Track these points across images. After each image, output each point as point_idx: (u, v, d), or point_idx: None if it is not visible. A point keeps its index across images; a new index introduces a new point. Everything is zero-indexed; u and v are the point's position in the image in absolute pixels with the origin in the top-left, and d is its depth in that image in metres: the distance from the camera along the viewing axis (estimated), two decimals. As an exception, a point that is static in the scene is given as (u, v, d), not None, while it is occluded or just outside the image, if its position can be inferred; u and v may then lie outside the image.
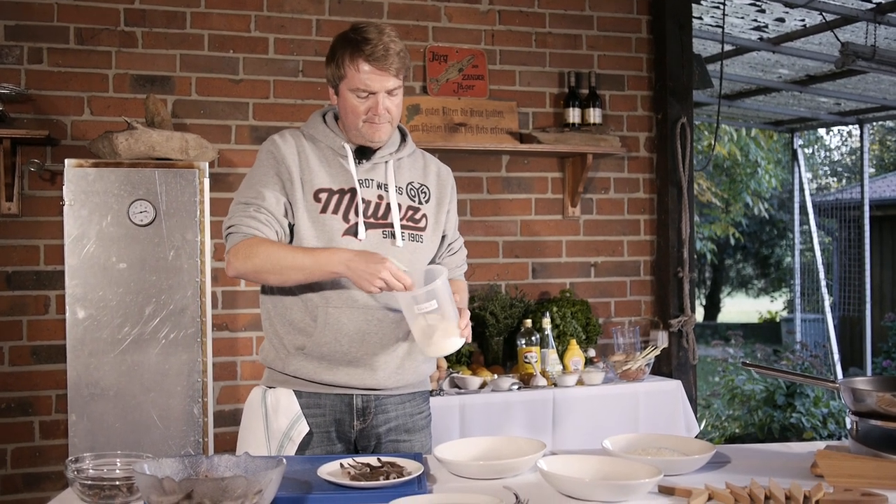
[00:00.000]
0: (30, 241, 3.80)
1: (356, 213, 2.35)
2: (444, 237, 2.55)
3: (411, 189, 2.47)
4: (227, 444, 3.85)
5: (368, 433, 2.43)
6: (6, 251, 3.77)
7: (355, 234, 2.34)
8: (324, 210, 2.35)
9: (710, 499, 1.83)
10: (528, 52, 4.52)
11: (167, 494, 1.59)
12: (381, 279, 2.16)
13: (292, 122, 4.10)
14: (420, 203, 2.47)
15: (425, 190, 2.50)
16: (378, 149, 2.43)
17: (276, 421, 2.37)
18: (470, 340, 2.28)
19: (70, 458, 1.88)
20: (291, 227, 2.36)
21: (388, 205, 2.40)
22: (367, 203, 2.38)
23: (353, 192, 2.37)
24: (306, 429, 2.35)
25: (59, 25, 3.85)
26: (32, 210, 3.80)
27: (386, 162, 2.44)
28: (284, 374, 2.40)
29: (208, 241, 3.47)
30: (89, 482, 1.81)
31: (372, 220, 2.37)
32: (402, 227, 2.41)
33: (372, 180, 2.41)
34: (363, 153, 2.42)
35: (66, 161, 3.38)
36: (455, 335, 2.21)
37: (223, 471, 1.78)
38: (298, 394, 2.38)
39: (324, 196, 2.36)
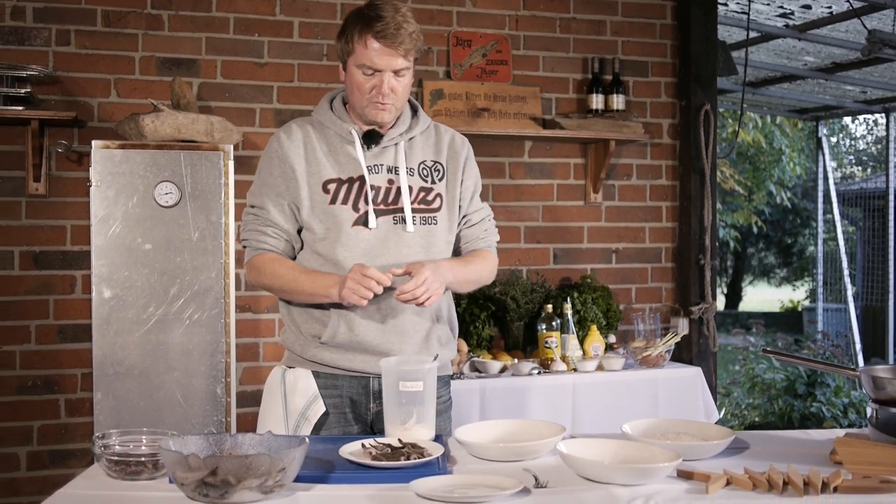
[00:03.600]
0: (57, 222, 3.85)
1: (366, 202, 2.34)
2: (459, 208, 2.49)
3: (424, 169, 2.43)
4: (249, 425, 3.89)
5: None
6: (34, 231, 3.82)
7: (365, 224, 2.33)
8: (333, 201, 2.34)
9: (728, 483, 1.84)
10: (552, 37, 4.51)
11: (192, 471, 1.62)
12: (349, 290, 2.17)
13: (316, 106, 4.10)
14: (433, 182, 2.43)
15: (439, 168, 2.46)
16: (387, 132, 2.41)
17: (293, 401, 2.37)
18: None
19: (97, 435, 1.92)
20: (301, 229, 2.40)
21: (399, 189, 2.38)
22: (376, 190, 2.36)
23: (361, 179, 2.36)
24: (322, 409, 2.35)
25: (86, 8, 3.88)
26: (59, 191, 3.84)
27: (396, 144, 2.42)
28: (303, 357, 2.41)
29: (232, 223, 3.49)
30: (116, 458, 1.84)
31: (382, 206, 2.36)
32: (414, 210, 2.38)
33: (381, 165, 2.39)
34: (372, 138, 2.39)
35: (93, 142, 3.41)
36: (430, 428, 2.13)
37: (247, 449, 1.81)
38: (316, 374, 2.39)
39: (332, 187, 2.35)
